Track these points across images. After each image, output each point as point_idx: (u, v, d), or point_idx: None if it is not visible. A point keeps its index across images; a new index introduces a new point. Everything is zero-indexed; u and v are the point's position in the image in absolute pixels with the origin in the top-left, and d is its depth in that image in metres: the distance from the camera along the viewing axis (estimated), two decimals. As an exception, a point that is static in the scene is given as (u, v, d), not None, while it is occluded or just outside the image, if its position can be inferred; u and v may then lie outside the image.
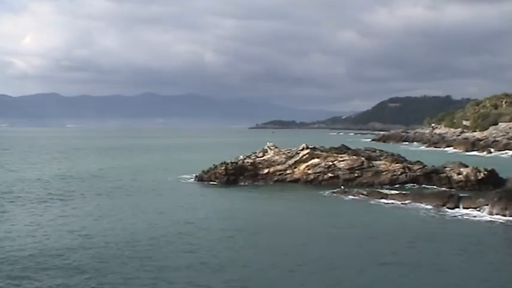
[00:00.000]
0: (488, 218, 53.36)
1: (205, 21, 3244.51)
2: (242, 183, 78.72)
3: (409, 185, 76.17)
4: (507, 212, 53.79)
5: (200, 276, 33.12)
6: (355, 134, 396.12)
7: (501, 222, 51.39)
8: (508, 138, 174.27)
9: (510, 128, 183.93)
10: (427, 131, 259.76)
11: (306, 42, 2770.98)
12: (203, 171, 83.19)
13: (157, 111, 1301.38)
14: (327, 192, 69.22)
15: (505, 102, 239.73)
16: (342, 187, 71.65)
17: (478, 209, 56.36)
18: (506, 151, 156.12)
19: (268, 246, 41.64)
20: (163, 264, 35.18)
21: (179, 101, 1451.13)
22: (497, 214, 53.97)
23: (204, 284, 31.74)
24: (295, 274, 33.98)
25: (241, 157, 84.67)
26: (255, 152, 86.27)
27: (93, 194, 67.59)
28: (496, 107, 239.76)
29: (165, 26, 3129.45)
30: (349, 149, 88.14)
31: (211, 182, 79.67)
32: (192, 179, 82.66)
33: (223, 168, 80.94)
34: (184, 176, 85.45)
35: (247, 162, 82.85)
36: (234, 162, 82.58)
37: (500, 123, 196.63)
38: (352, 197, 65.44)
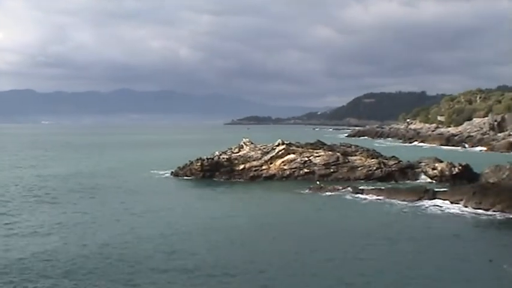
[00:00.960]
0: (463, 211, 53.82)
1: (180, 17, 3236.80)
2: (218, 179, 78.67)
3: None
4: (481, 206, 54.38)
5: (176, 274, 33.19)
6: (331, 129, 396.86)
7: (476, 216, 51.95)
8: (482, 134, 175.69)
9: (484, 123, 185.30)
10: (402, 127, 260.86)
11: (282, 38, 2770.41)
12: (179, 168, 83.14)
13: (133, 108, 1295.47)
14: (302, 188, 69.25)
15: (479, 98, 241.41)
16: (318, 182, 71.79)
17: (453, 203, 56.85)
18: (480, 146, 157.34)
19: (244, 243, 41.75)
20: (139, 261, 35.18)
21: (154, 97, 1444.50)
22: (471, 208, 54.48)
23: (182, 283, 31.83)
24: (266, 272, 33.98)
25: (217, 153, 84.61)
26: (231, 148, 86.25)
27: (68, 194, 65.52)
28: (470, 102, 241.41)
29: (140, 22, 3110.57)
30: (325, 144, 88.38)
31: (187, 178, 79.64)
32: (168, 175, 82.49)
33: (199, 164, 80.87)
34: (159, 172, 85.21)
35: (223, 158, 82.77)
36: (210, 158, 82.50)
37: (474, 119, 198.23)
38: (328, 192, 65.57)
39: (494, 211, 53.12)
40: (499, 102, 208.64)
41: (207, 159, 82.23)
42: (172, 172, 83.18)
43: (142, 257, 36.41)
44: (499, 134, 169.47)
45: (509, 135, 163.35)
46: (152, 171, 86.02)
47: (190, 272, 33.39)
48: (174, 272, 33.55)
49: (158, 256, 36.93)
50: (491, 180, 57.84)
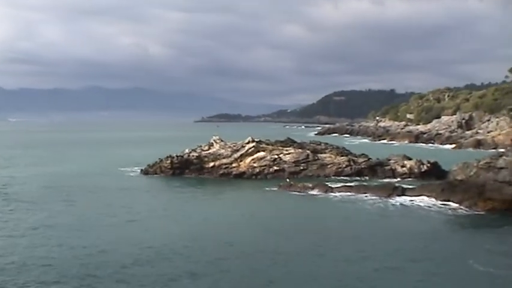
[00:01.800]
0: (431, 208, 54.41)
1: (151, 14, 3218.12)
2: (188, 177, 78.59)
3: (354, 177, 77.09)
4: (449, 203, 55.18)
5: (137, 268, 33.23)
6: (301, 127, 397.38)
7: (444, 213, 52.59)
8: (450, 132, 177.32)
9: (452, 121, 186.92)
10: (372, 124, 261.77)
11: (252, 35, 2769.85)
12: (148, 165, 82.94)
13: (103, 105, 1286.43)
14: (272, 186, 69.43)
15: (448, 96, 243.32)
16: (288, 180, 71.94)
17: (421, 200, 57.43)
18: (448, 144, 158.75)
19: (212, 240, 41.75)
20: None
21: (124, 94, 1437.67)
22: (440, 205, 55.15)
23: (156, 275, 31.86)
24: (230, 272, 34.07)
25: (187, 151, 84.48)
26: (201, 146, 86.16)
27: (32, 195, 63.38)
28: (438, 100, 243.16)
29: (111, 18, 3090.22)
30: (295, 142, 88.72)
31: (157, 175, 79.54)
32: (138, 173, 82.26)
33: (168, 161, 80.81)
34: (129, 169, 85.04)
35: (193, 155, 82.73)
36: (180, 156, 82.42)
37: (443, 117, 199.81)
38: (298, 190, 65.69)
39: (461, 208, 53.84)
40: (467, 100, 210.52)
41: (177, 156, 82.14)
42: (142, 170, 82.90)
43: (110, 257, 36.31)
44: (466, 132, 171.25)
45: (477, 133, 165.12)
46: (121, 169, 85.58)
47: (161, 269, 33.46)
48: (139, 265, 33.70)
49: (124, 257, 36.73)
50: (459, 178, 58.35)
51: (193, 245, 39.50)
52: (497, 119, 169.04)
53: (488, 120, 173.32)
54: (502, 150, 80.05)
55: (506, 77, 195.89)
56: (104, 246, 38.69)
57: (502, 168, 54.73)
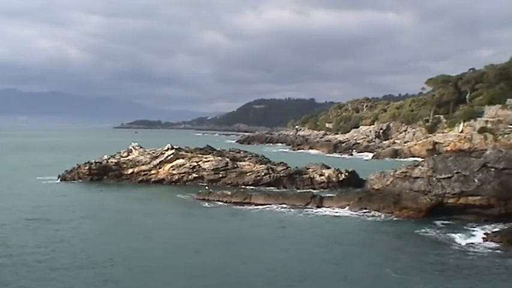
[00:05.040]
0: (349, 217, 55.03)
1: (70, 17, 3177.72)
2: (106, 183, 77.65)
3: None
4: (366, 211, 56.06)
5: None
6: (220, 135, 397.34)
7: (361, 221, 53.25)
8: (368, 141, 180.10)
9: (370, 131, 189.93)
10: (291, 133, 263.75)
11: (172, 41, 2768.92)
12: (66, 171, 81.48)
13: (19, 109, 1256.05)
14: (190, 193, 69.04)
15: (366, 106, 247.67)
16: (207, 187, 71.77)
17: (339, 209, 58.08)
18: (366, 153, 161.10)
19: (122, 247, 41.34)
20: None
21: (43, 98, 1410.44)
22: (357, 213, 55.87)
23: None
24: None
25: (106, 157, 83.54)
26: (120, 152, 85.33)
27: None
28: (357, 110, 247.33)
29: (29, 21, 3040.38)
30: (214, 149, 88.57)
31: (75, 182, 78.24)
32: (55, 180, 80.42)
33: (87, 168, 79.76)
34: (46, 177, 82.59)
35: (112, 162, 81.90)
36: (98, 162, 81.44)
37: (361, 126, 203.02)
38: (216, 198, 65.30)
39: (378, 216, 54.68)
40: (385, 111, 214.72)
41: (95, 162, 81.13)
42: (59, 176, 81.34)
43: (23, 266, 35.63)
44: (384, 142, 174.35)
45: (394, 143, 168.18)
46: (39, 177, 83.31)
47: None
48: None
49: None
50: (376, 187, 59.26)
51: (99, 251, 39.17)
52: (413, 130, 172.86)
53: (405, 131, 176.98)
54: (418, 160, 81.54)
55: (423, 88, 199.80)
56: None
57: (417, 177, 55.86)
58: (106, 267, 35.48)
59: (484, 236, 45.97)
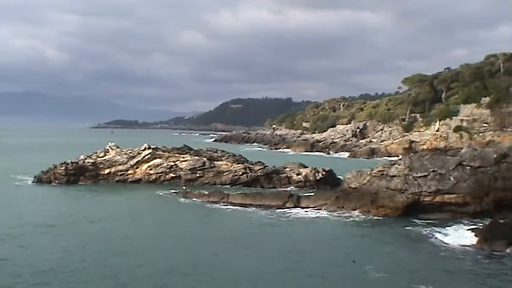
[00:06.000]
0: (326, 216, 55.17)
1: (46, 16, 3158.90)
2: (83, 184, 77.23)
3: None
4: (344, 210, 56.26)
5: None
6: (198, 134, 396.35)
7: (338, 220, 53.43)
8: (345, 140, 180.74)
9: (347, 130, 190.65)
10: (268, 132, 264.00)
11: (151, 41, 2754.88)
12: (42, 172, 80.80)
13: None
14: (168, 193, 69.08)
15: (343, 105, 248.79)
16: (184, 187, 71.73)
17: (316, 208, 58.17)
18: (343, 152, 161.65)
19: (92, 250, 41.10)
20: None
21: (19, 98, 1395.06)
22: (334, 212, 56.04)
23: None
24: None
25: (82, 157, 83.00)
26: (96, 152, 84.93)
27: None
28: (334, 109, 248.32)
29: (3, 19, 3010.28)
30: (191, 149, 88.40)
31: (51, 182, 77.61)
32: (31, 181, 79.80)
33: (63, 168, 79.15)
34: (21, 177, 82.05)
35: (88, 162, 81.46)
36: (75, 162, 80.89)
37: (338, 126, 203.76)
38: (193, 197, 65.40)
39: (356, 215, 54.89)
40: (361, 110, 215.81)
41: (72, 163, 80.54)
42: (35, 177, 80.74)
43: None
44: (361, 141, 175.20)
45: (371, 142, 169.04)
46: (13, 177, 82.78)
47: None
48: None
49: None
50: (352, 185, 59.47)
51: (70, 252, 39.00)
52: (390, 129, 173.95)
53: (382, 130, 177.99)
54: (395, 158, 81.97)
55: (399, 87, 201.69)
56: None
57: (394, 176, 56.18)
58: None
59: (460, 233, 46.38)
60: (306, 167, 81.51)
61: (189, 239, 44.64)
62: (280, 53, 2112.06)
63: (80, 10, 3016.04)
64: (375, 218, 53.80)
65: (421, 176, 54.88)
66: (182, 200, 64.91)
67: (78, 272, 34.28)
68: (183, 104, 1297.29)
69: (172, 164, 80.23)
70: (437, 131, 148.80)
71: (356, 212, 55.57)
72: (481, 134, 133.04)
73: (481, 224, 48.37)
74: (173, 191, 69.77)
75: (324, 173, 78.64)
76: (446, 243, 43.57)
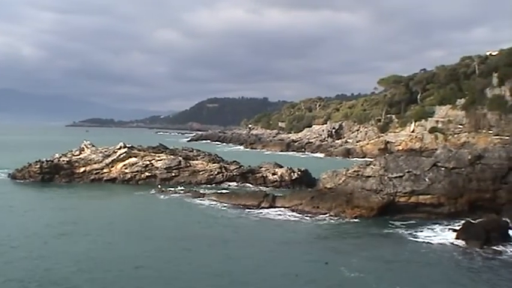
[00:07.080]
0: (301, 216, 55.16)
1: (22, 13, 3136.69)
2: (58, 182, 76.72)
3: (226, 185, 77.49)
4: (319, 210, 56.23)
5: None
6: (173, 133, 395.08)
7: (313, 220, 53.38)
8: (321, 140, 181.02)
9: (323, 130, 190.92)
10: (244, 132, 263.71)
11: (127, 39, 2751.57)
12: (17, 170, 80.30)
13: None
14: (143, 191, 69.00)
15: (319, 106, 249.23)
16: (159, 186, 71.64)
17: (291, 208, 58.14)
18: (319, 152, 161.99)
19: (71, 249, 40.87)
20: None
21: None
22: (309, 212, 56.05)
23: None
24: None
25: (57, 155, 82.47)
26: (71, 151, 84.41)
27: None
28: (310, 109, 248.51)
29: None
30: (167, 148, 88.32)
31: (26, 180, 77.13)
32: (5, 178, 79.27)
33: (37, 166, 78.64)
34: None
35: (63, 160, 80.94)
36: (50, 161, 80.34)
37: (314, 126, 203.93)
38: (168, 196, 65.46)
39: (330, 215, 54.91)
40: (337, 110, 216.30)
41: (47, 161, 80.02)
42: (9, 174, 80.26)
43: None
44: (336, 141, 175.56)
45: (346, 142, 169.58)
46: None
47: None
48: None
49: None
50: (328, 186, 59.57)
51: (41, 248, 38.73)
52: (365, 129, 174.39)
53: (357, 130, 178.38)
54: (370, 159, 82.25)
55: (375, 88, 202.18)
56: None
57: (369, 176, 56.40)
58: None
59: (435, 233, 46.80)
60: (282, 167, 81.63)
61: (158, 238, 44.54)
62: (258, 53, 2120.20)
63: (57, 7, 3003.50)
64: (350, 218, 53.82)
65: (396, 177, 55.16)
66: (157, 198, 64.90)
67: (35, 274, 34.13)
68: (160, 103, 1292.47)
69: (148, 163, 80.00)
70: (412, 131, 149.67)
71: (331, 212, 55.52)
72: (456, 135, 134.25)
73: (455, 225, 48.73)
74: (149, 190, 69.62)
75: (299, 173, 78.75)
76: (421, 243, 43.86)
